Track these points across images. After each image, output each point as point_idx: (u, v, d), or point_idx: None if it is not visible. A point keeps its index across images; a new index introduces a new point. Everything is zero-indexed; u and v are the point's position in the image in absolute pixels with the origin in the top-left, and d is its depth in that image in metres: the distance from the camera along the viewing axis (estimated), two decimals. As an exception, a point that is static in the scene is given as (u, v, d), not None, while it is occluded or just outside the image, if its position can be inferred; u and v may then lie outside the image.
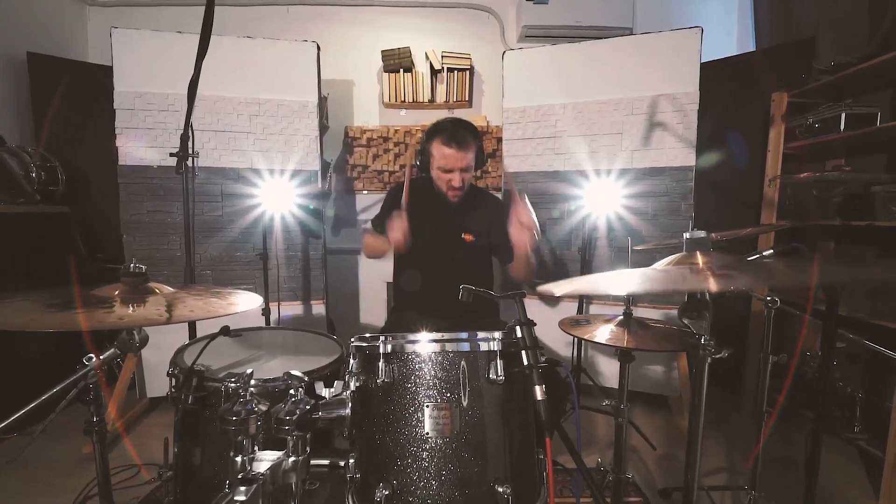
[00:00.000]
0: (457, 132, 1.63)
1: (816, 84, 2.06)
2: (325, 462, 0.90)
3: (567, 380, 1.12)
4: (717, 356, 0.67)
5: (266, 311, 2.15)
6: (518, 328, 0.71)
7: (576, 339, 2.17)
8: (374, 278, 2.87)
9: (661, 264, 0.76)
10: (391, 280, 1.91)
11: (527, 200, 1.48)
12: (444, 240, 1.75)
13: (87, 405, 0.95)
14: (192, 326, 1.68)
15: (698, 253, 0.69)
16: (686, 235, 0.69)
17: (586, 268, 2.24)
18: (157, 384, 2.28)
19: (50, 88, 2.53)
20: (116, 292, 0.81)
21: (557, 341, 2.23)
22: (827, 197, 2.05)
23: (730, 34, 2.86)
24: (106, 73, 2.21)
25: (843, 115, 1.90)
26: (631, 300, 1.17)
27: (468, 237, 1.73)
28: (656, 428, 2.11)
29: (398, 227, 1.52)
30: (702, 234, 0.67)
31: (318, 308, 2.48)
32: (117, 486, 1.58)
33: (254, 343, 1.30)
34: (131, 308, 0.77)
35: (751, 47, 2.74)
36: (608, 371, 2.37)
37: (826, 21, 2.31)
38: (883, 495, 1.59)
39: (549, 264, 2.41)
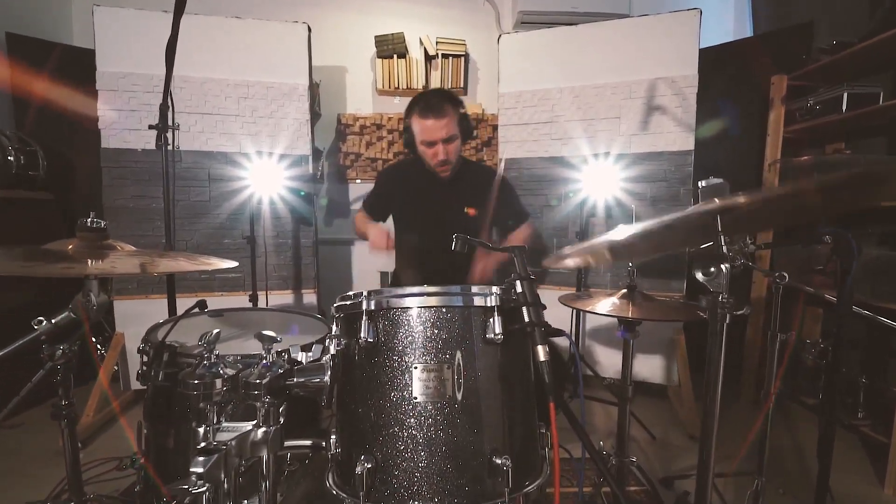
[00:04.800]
0: (432, 101, 1.57)
1: (816, 65, 2.02)
2: (308, 443, 0.83)
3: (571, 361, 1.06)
4: (738, 313, 0.61)
5: (254, 299, 2.08)
6: (518, 282, 0.64)
7: (574, 314, 2.07)
8: (369, 269, 2.79)
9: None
10: (385, 271, 1.85)
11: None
12: (443, 218, 1.69)
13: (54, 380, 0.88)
14: (171, 311, 1.60)
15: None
16: (702, 183, 0.63)
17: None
18: (141, 376, 2.19)
19: (30, 70, 2.44)
20: (70, 247, 0.74)
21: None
22: (828, 180, 2.01)
23: (726, 20, 2.83)
24: (90, 56, 2.12)
25: (845, 95, 1.86)
26: (634, 273, 1.11)
27: (471, 211, 1.68)
28: (655, 418, 2.05)
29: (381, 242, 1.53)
30: (718, 181, 0.62)
31: (310, 298, 2.41)
32: (98, 478, 1.50)
33: (235, 322, 1.23)
34: (90, 263, 0.70)
35: (747, 33, 2.70)
36: (606, 362, 2.31)
37: (823, 5, 2.27)
38: (889, 481, 1.54)
39: (547, 246, 2.36)
